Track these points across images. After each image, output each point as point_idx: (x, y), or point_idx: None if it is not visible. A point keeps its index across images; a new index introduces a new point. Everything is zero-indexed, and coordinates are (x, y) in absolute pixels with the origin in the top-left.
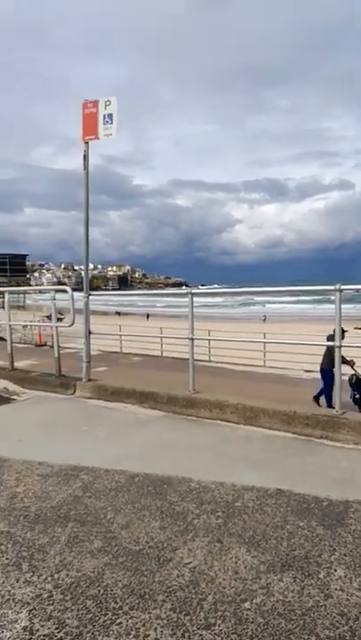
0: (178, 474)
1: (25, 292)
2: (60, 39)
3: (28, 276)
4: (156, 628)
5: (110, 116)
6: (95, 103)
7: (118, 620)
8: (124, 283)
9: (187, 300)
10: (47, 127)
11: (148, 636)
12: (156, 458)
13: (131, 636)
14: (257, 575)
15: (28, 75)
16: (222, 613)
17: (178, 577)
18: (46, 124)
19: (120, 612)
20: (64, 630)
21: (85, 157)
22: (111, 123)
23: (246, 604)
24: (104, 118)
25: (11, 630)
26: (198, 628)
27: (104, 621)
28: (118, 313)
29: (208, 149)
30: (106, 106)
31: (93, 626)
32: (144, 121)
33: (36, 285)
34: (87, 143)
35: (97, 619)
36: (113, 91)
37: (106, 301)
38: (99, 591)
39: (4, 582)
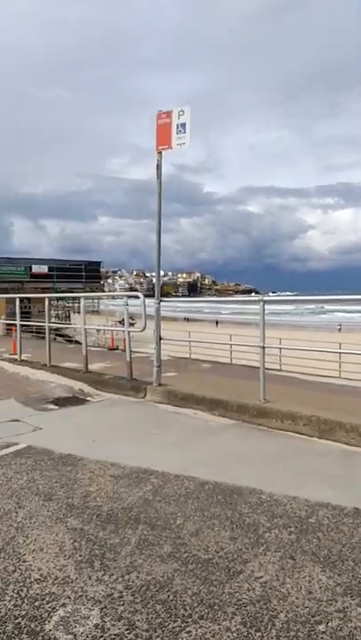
0: (248, 484)
1: (99, 298)
2: (137, 54)
3: (101, 282)
4: None
5: (183, 125)
6: (169, 114)
7: (188, 628)
8: (193, 289)
9: (257, 307)
10: (121, 139)
11: None
12: (225, 466)
13: None
14: (332, 597)
15: (105, 90)
16: (295, 633)
17: (248, 590)
18: (120, 136)
19: (189, 620)
20: (134, 632)
21: (158, 167)
22: (184, 132)
23: (321, 627)
24: (177, 128)
25: (83, 626)
26: None
27: (173, 628)
28: (187, 319)
29: (280, 155)
30: (179, 115)
31: (163, 631)
32: (215, 129)
33: (109, 292)
34: (160, 153)
35: (166, 624)
36: (185, 101)
37: (174, 307)
38: (168, 596)
39: (77, 578)
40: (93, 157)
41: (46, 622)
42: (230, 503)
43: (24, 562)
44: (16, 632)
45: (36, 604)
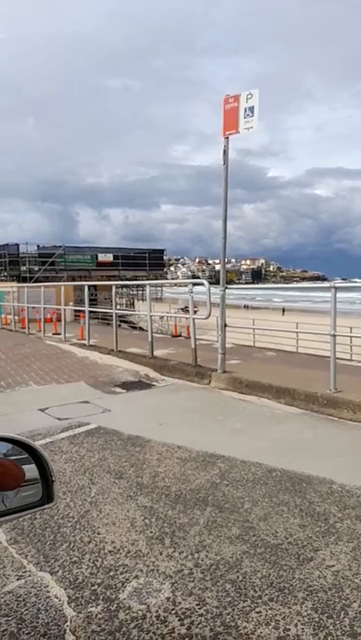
0: (318, 474)
1: (162, 285)
2: (202, 39)
3: (165, 269)
4: (296, 624)
5: (252, 108)
6: (236, 97)
7: (258, 609)
8: (257, 276)
9: (328, 295)
10: (185, 126)
11: (289, 630)
12: (294, 455)
13: (270, 627)
14: None
15: (172, 78)
16: None
17: (319, 578)
18: (184, 123)
19: (259, 601)
20: (204, 608)
21: (225, 152)
22: (252, 115)
23: None
24: (245, 112)
25: (155, 598)
26: (343, 634)
27: (243, 607)
28: (246, 306)
29: (350, 135)
30: (247, 99)
31: (233, 609)
32: (281, 111)
33: (172, 279)
34: (227, 138)
35: (236, 603)
36: (249, 84)
37: (236, 295)
38: (237, 577)
39: (148, 553)
40: (158, 145)
41: (120, 592)
42: (299, 491)
43: (98, 534)
44: (93, 598)
45: (111, 574)
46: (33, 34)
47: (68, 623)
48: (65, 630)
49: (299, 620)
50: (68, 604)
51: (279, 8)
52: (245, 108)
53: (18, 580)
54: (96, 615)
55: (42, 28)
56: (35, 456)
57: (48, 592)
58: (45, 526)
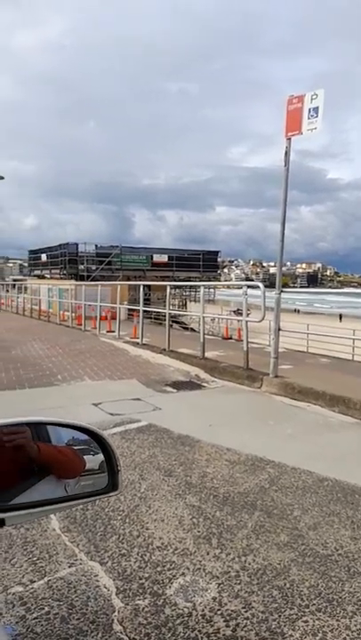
0: None
1: (215, 287)
2: (262, 40)
3: (218, 271)
4: (345, 638)
5: (316, 109)
6: (300, 98)
7: (305, 618)
8: (313, 280)
9: None
10: (243, 127)
11: None
12: (346, 465)
13: (317, 638)
14: None
15: (231, 80)
16: None
17: None
18: (242, 125)
19: (306, 610)
20: (250, 612)
21: (287, 154)
22: (316, 116)
23: None
24: (309, 112)
25: (202, 597)
26: None
27: (290, 614)
28: (297, 310)
29: None
30: (312, 99)
31: (279, 615)
32: (342, 111)
33: (225, 281)
34: (289, 139)
35: (283, 610)
36: (308, 85)
37: (289, 299)
38: (285, 584)
39: (195, 552)
40: (214, 147)
41: (167, 587)
42: (351, 503)
43: (147, 529)
44: (140, 591)
45: (158, 569)
46: (95, 38)
47: (116, 613)
48: (113, 620)
49: (348, 635)
50: (117, 594)
51: (344, 1)
52: (310, 109)
53: (69, 567)
54: (143, 608)
55: (104, 31)
56: (102, 445)
57: (97, 581)
58: (96, 517)
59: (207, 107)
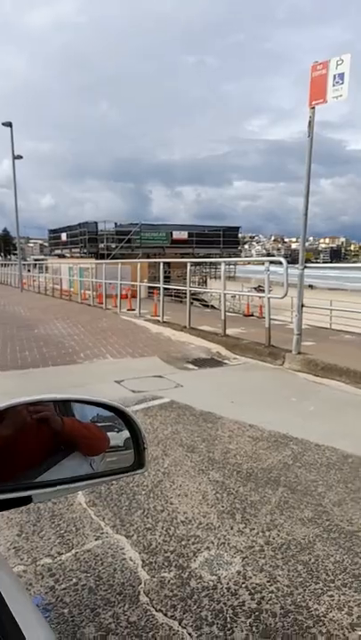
0: None
1: (235, 264)
2: (283, 9)
3: (238, 248)
4: None
5: (341, 75)
6: (325, 64)
7: (330, 592)
8: (336, 255)
9: None
10: (261, 100)
11: None
12: None
13: (343, 612)
14: None
15: (249, 52)
16: None
17: None
18: (260, 98)
19: (332, 585)
20: (275, 585)
21: (310, 124)
22: (342, 83)
23: None
24: (334, 79)
25: (226, 570)
26: None
27: (315, 589)
28: (311, 286)
29: None
30: (337, 65)
31: (304, 589)
32: None
33: (245, 257)
34: (313, 108)
35: (308, 584)
36: (333, 53)
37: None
38: (309, 559)
39: (219, 527)
40: (232, 121)
41: (192, 561)
42: None
43: (171, 504)
44: (166, 564)
45: (183, 543)
46: (109, 14)
47: (142, 585)
48: (139, 592)
49: None
50: (142, 567)
51: None
52: (335, 75)
53: (96, 540)
54: (168, 581)
55: (118, 7)
56: (128, 422)
57: (124, 554)
58: (121, 492)
59: (224, 80)
